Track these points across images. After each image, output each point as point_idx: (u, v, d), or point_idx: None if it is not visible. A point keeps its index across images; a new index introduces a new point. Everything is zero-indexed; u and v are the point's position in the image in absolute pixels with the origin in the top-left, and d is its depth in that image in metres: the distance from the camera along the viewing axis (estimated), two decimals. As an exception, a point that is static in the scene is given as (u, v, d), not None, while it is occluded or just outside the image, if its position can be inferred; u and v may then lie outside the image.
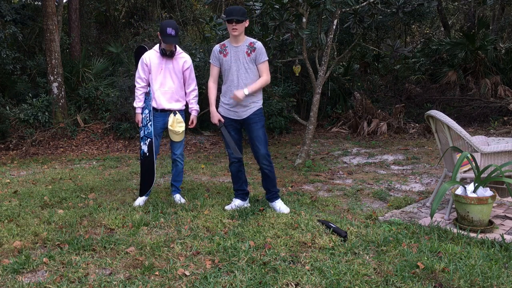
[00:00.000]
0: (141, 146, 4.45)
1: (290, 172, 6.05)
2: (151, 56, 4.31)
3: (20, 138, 8.81)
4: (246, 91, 3.87)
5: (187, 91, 4.47)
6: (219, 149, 8.43)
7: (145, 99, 4.40)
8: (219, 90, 4.30)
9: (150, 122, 4.33)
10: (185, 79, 4.43)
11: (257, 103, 4.03)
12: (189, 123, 4.48)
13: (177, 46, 4.36)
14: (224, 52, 4.00)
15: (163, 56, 4.28)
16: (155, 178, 4.42)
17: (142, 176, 4.44)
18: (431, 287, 2.62)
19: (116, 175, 6.03)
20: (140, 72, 4.33)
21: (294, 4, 6.17)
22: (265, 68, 3.97)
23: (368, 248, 3.20)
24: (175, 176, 4.54)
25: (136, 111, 4.43)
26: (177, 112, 4.38)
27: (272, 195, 4.13)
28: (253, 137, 4.01)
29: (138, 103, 4.39)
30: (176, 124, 4.36)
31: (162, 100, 4.31)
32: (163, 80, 4.30)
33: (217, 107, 4.17)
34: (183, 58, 4.37)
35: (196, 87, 4.50)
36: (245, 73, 3.93)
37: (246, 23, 3.92)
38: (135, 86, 4.42)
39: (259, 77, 4.00)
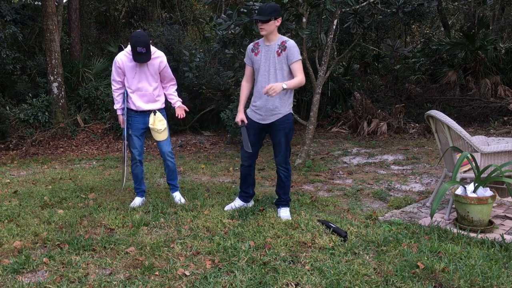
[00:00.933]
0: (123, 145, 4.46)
1: (290, 172, 6.04)
2: (123, 59, 4.14)
3: (20, 138, 8.81)
4: (285, 85, 3.59)
5: (166, 85, 4.37)
6: (219, 149, 8.43)
7: (123, 99, 4.32)
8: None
9: (125, 123, 4.30)
10: (163, 78, 4.32)
11: (284, 109, 3.81)
12: (179, 116, 4.38)
13: (150, 47, 4.09)
14: (256, 51, 3.85)
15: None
16: (124, 177, 4.42)
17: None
18: (431, 287, 2.62)
19: (116, 175, 6.03)
20: (114, 75, 4.21)
21: (294, 4, 6.17)
22: (298, 68, 3.72)
23: (368, 248, 3.20)
24: (169, 175, 4.51)
25: (118, 113, 4.36)
26: (157, 111, 4.30)
27: (281, 201, 4.03)
28: (274, 144, 3.92)
29: (117, 105, 4.32)
30: (158, 122, 4.27)
31: (139, 103, 4.22)
32: (139, 84, 4.18)
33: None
34: (157, 58, 4.18)
35: (174, 81, 4.41)
36: (275, 73, 3.75)
37: (278, 22, 3.72)
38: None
39: (290, 78, 3.80)
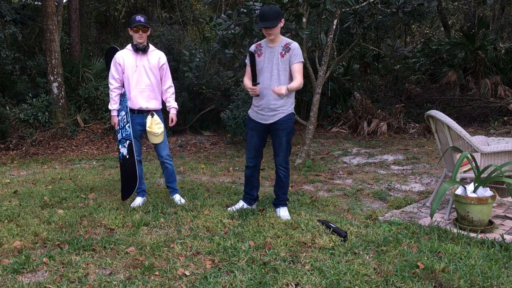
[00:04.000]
0: (119, 149, 4.36)
1: (290, 172, 6.04)
2: (124, 55, 4.21)
3: (20, 138, 8.81)
4: (286, 90, 3.65)
5: (164, 88, 4.37)
6: (219, 149, 8.43)
7: (121, 100, 4.30)
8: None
9: (128, 124, 4.24)
10: (161, 76, 4.34)
11: (286, 109, 3.83)
12: (169, 122, 4.38)
13: (149, 44, 4.28)
14: (259, 52, 3.85)
15: (137, 53, 4.20)
16: (139, 179, 4.35)
17: (122, 179, 4.37)
18: (431, 287, 2.62)
19: (116, 175, 6.03)
20: (113, 73, 4.22)
21: (294, 4, 6.17)
22: (298, 70, 3.75)
23: (368, 248, 3.20)
24: (167, 178, 4.49)
25: (112, 114, 4.32)
26: (154, 113, 4.28)
27: (279, 201, 4.03)
28: (275, 143, 3.91)
29: (113, 105, 4.27)
30: (155, 126, 4.25)
31: (139, 99, 4.21)
32: (138, 78, 4.20)
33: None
34: (157, 55, 4.28)
35: (172, 84, 4.42)
36: (277, 74, 3.77)
37: (282, 22, 3.74)
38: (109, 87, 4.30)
39: (291, 79, 3.82)
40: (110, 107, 4.30)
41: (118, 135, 4.36)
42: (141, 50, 4.19)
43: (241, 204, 4.18)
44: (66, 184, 5.46)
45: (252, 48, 3.93)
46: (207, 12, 13.71)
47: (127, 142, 4.29)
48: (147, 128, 4.24)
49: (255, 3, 5.95)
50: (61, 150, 8.58)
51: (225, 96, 9.49)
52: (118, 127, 4.34)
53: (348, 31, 9.60)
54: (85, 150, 8.57)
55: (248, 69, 3.98)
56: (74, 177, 5.95)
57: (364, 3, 6.51)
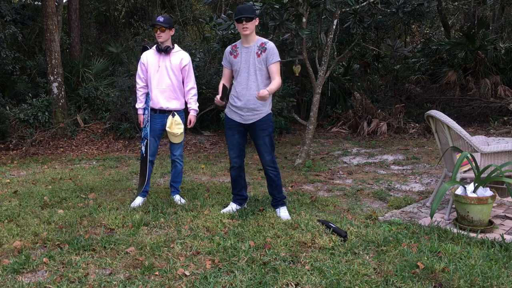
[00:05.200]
0: (141, 146, 4.46)
1: (290, 172, 6.04)
2: (148, 55, 4.33)
3: (20, 138, 8.81)
4: (267, 92, 3.59)
5: (186, 89, 4.43)
6: (219, 149, 8.43)
7: (146, 100, 4.41)
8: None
9: (148, 123, 4.33)
10: (184, 77, 4.40)
11: (265, 109, 3.85)
12: (188, 123, 4.44)
13: (175, 44, 4.37)
14: (235, 53, 3.88)
15: (160, 53, 4.28)
16: (147, 179, 4.39)
17: (139, 176, 4.49)
18: (431, 287, 2.62)
19: (116, 175, 6.03)
20: (139, 72, 4.36)
21: (294, 4, 6.17)
22: (276, 70, 3.77)
23: (368, 248, 3.20)
24: (174, 177, 4.53)
25: (138, 112, 4.45)
26: (175, 113, 4.34)
27: (277, 201, 4.02)
28: (258, 144, 3.91)
29: (139, 104, 4.41)
30: (175, 126, 4.32)
31: (160, 99, 4.28)
32: (160, 78, 4.28)
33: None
34: (180, 55, 4.35)
35: (195, 86, 4.48)
36: (254, 74, 3.79)
37: (256, 21, 3.81)
38: (135, 86, 4.42)
39: (270, 79, 3.83)
40: (136, 105, 4.45)
41: (142, 133, 4.45)
42: (163, 50, 4.25)
43: (232, 206, 4.15)
44: (66, 184, 5.46)
45: (228, 49, 3.96)
46: (207, 12, 13.71)
47: (146, 140, 4.37)
48: (167, 128, 4.32)
49: (255, 3, 5.95)
50: (61, 150, 8.58)
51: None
52: (143, 125, 4.42)
53: (348, 31, 9.60)
54: (85, 150, 8.58)
55: (225, 71, 4.01)
56: (74, 177, 5.95)
57: (364, 3, 6.51)
